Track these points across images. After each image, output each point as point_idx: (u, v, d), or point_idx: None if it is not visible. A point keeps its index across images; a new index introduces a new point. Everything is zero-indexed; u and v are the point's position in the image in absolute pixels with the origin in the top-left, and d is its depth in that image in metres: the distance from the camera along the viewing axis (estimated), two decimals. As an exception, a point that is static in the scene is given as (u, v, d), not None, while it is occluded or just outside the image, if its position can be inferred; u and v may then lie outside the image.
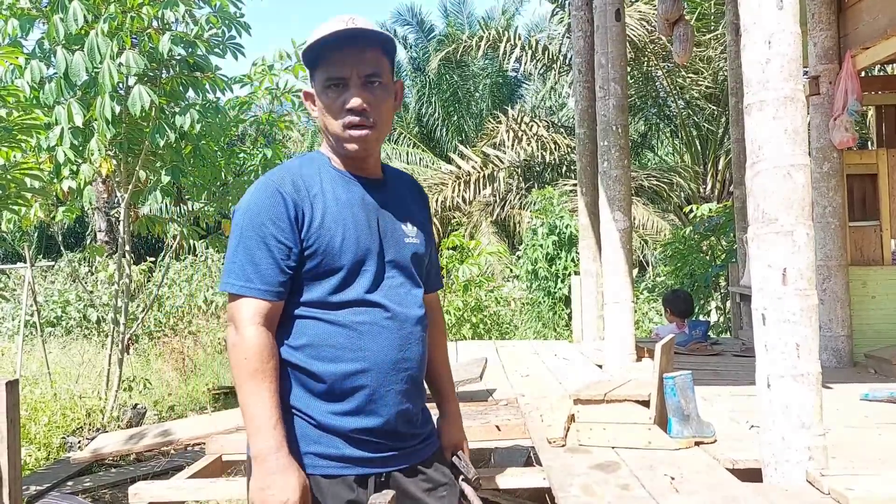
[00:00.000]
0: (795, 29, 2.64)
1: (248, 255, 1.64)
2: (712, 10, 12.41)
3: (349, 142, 1.72)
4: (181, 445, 4.56)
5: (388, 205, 1.80)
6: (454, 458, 1.96)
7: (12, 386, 2.94)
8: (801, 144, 2.64)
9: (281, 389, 1.67)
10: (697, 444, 3.14)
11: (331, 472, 1.68)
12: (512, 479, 3.16)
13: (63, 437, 5.75)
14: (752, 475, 2.84)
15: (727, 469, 2.86)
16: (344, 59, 1.68)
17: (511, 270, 13.95)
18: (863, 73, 6.14)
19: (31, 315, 7.88)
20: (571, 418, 3.42)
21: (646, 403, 3.38)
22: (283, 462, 1.58)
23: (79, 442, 5.64)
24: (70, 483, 4.87)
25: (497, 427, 3.81)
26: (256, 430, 1.59)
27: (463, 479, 1.96)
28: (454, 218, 18.53)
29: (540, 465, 3.09)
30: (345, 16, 1.69)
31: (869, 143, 9.68)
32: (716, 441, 3.19)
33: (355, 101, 1.68)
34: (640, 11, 13.31)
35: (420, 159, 21.42)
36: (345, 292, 1.69)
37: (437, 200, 17.17)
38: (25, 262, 7.40)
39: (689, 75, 13.78)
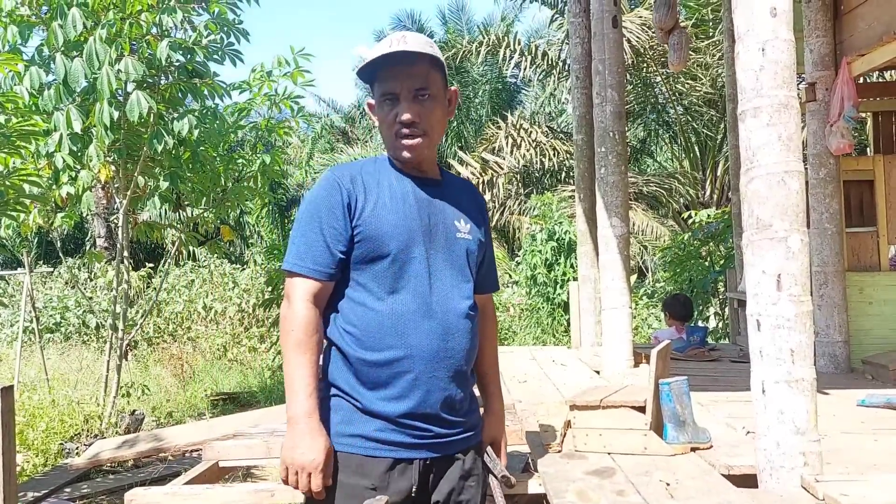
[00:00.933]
0: (789, 36, 2.66)
1: (304, 238, 1.81)
2: (710, 17, 12.44)
3: (401, 150, 1.87)
4: (179, 451, 4.56)
5: (441, 201, 1.93)
6: (485, 453, 2.01)
7: (6, 392, 2.94)
8: (795, 151, 2.65)
9: (330, 370, 1.84)
10: (693, 449, 3.14)
11: (375, 454, 1.78)
12: (508, 484, 3.15)
13: (61, 444, 5.75)
14: (747, 481, 2.84)
15: (723, 475, 2.87)
16: (395, 75, 1.84)
17: (510, 276, 13.95)
18: (860, 80, 6.15)
19: (30, 321, 7.88)
20: (568, 424, 3.43)
21: (642, 409, 3.39)
22: (313, 426, 1.73)
23: (77, 448, 5.64)
24: (68, 489, 4.87)
25: (494, 433, 3.81)
26: (294, 394, 1.74)
27: (490, 475, 2.00)
28: (453, 223, 18.52)
29: (537, 471, 3.09)
30: (397, 34, 1.86)
31: (868, 149, 9.70)
32: (712, 447, 3.19)
33: (405, 115, 1.84)
34: (641, 17, 13.35)
35: (420, 165, 21.43)
36: (391, 280, 1.81)
37: (436, 206, 17.15)
38: (24, 267, 7.40)
39: (688, 81, 13.82)
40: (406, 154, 1.87)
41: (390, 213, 1.82)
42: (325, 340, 1.85)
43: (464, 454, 1.91)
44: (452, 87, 1.97)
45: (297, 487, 1.75)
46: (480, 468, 1.98)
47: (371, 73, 1.87)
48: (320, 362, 1.85)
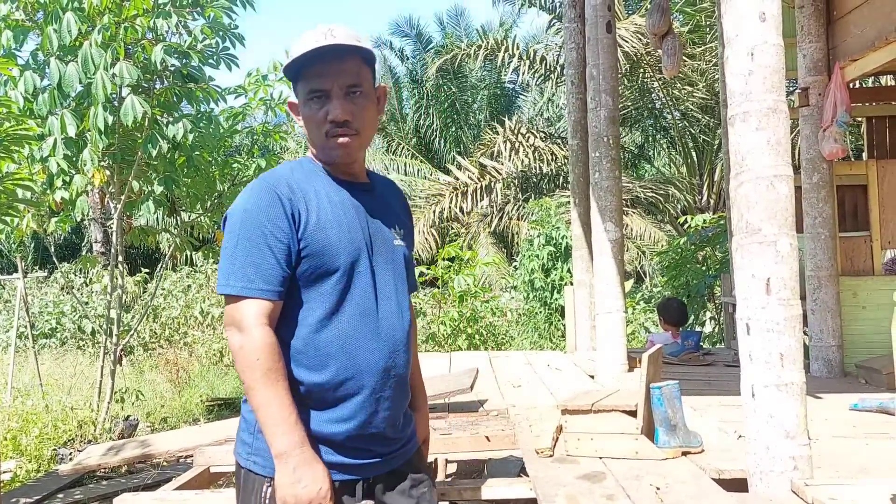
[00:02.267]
0: (778, 41, 2.67)
1: (247, 256, 1.63)
2: (705, 23, 12.47)
3: (333, 149, 1.75)
4: (172, 457, 4.55)
5: (376, 208, 1.82)
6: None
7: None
8: (784, 155, 2.65)
9: None
10: (684, 453, 3.14)
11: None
12: (499, 489, 3.16)
13: (54, 449, 5.73)
14: (738, 485, 2.84)
15: (713, 479, 2.86)
16: (324, 71, 1.71)
17: (508, 281, 13.95)
18: (853, 85, 6.17)
19: (25, 326, 7.87)
20: (560, 429, 3.43)
21: (633, 413, 3.39)
22: (307, 455, 1.60)
23: (70, 454, 5.63)
24: (60, 495, 4.85)
25: (487, 438, 3.80)
26: (276, 428, 1.58)
27: None
28: (452, 229, 18.55)
29: (528, 475, 3.09)
30: (323, 27, 1.72)
31: (863, 153, 9.72)
32: (703, 451, 3.19)
33: (336, 113, 1.71)
34: (636, 24, 13.37)
35: (418, 170, 21.45)
36: (338, 297, 1.69)
37: (434, 211, 17.19)
38: (19, 272, 7.39)
39: (685, 87, 13.84)
40: (336, 153, 1.75)
41: (334, 226, 1.70)
42: None
43: (408, 465, 1.85)
44: (382, 85, 1.85)
45: None
46: (428, 471, 1.93)
47: (297, 69, 1.73)
48: None
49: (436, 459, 4.11)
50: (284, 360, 1.65)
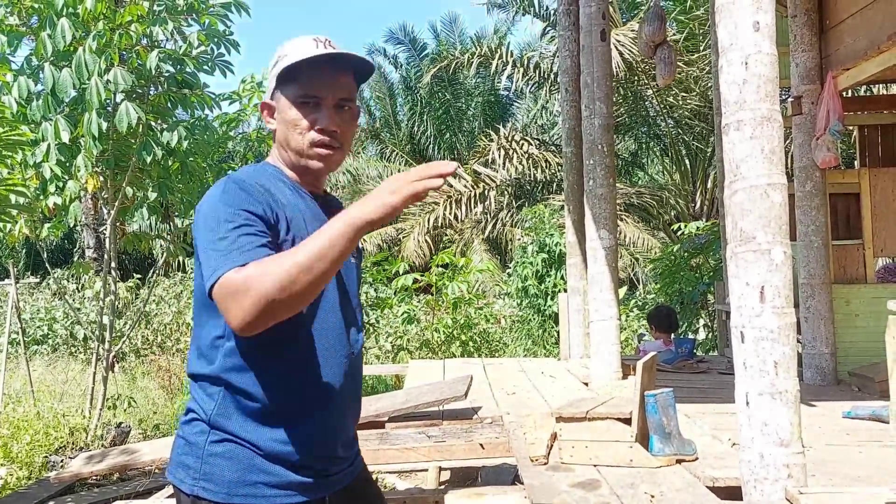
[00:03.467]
0: (772, 50, 2.68)
1: (231, 242, 1.48)
2: (699, 31, 12.54)
3: (315, 159, 1.69)
4: (164, 464, 4.52)
5: (325, 215, 1.75)
6: None
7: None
8: (778, 164, 2.67)
9: (217, 413, 1.59)
10: (679, 461, 3.15)
11: (278, 501, 1.62)
12: (493, 498, 3.15)
13: (46, 456, 5.69)
14: (732, 493, 2.84)
15: (708, 487, 2.87)
16: (322, 78, 1.68)
17: (502, 288, 13.95)
18: (846, 93, 6.20)
19: (16, 333, 7.83)
20: (554, 436, 3.42)
21: (628, 421, 3.39)
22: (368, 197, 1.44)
23: (62, 461, 5.59)
24: (52, 503, 4.82)
25: (481, 445, 3.80)
26: (341, 231, 1.42)
27: None
28: (446, 235, 18.57)
29: (523, 483, 3.08)
30: (320, 36, 1.71)
31: (855, 162, 9.77)
32: (697, 459, 3.19)
33: (327, 123, 1.67)
34: (633, 31, 13.42)
35: (411, 177, 21.45)
36: (300, 315, 1.58)
37: (428, 219, 17.21)
38: (11, 278, 7.36)
39: (680, 94, 13.90)
40: (318, 165, 1.69)
41: (302, 237, 1.57)
42: (211, 378, 1.61)
43: (359, 480, 1.82)
44: (358, 106, 1.78)
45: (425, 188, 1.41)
46: (378, 487, 1.91)
47: (291, 71, 1.66)
48: (205, 403, 1.61)
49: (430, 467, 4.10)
50: (242, 377, 1.59)
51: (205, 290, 1.50)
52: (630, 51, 13.36)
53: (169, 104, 5.90)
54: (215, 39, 5.90)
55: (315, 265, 1.41)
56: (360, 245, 1.84)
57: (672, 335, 6.83)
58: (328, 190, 1.87)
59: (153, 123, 5.84)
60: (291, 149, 1.71)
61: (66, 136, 5.33)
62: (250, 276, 1.40)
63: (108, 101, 5.50)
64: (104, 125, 5.32)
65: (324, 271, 1.42)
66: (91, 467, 4.21)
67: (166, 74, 5.79)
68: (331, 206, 1.80)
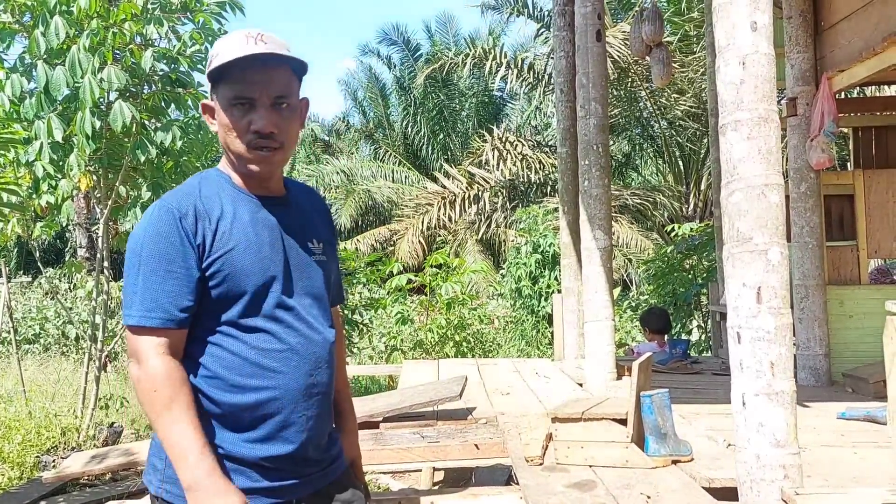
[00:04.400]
0: (769, 50, 2.68)
1: (147, 284, 1.56)
2: (693, 33, 12.56)
3: (253, 163, 1.66)
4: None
5: (292, 222, 1.74)
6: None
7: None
8: (775, 164, 2.66)
9: None
10: (674, 462, 3.14)
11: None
12: (488, 499, 3.14)
13: (37, 456, 5.65)
14: (728, 494, 2.84)
15: (703, 488, 2.86)
16: (253, 78, 1.63)
17: (495, 288, 13.95)
18: (840, 95, 6.22)
19: (8, 332, 7.78)
20: (549, 437, 3.41)
21: (623, 421, 3.39)
22: (218, 485, 1.51)
23: (53, 461, 5.55)
24: (43, 503, 4.79)
25: (476, 446, 3.79)
26: (183, 459, 1.51)
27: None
28: (439, 236, 18.56)
29: (519, 484, 3.07)
30: (252, 31, 1.65)
31: (848, 164, 9.80)
32: (692, 459, 3.19)
33: (262, 125, 1.63)
34: (623, 32, 13.44)
35: (405, 177, 21.48)
36: (251, 318, 1.62)
37: (422, 221, 17.20)
38: (2, 277, 7.32)
39: (673, 95, 13.93)
40: (256, 168, 1.66)
41: (243, 248, 1.62)
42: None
43: (334, 485, 1.78)
44: (305, 98, 1.74)
45: None
46: (359, 494, 1.86)
47: (221, 71, 1.63)
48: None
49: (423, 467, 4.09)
50: (202, 382, 1.60)
51: None
52: (620, 52, 13.36)
53: (163, 103, 5.87)
54: (210, 38, 5.87)
55: (158, 434, 1.57)
56: (332, 238, 1.85)
57: (666, 337, 6.84)
58: (285, 187, 1.81)
59: (147, 122, 5.81)
60: (231, 152, 1.69)
61: (59, 135, 5.29)
62: (139, 380, 1.57)
63: (101, 99, 5.47)
64: (98, 124, 5.28)
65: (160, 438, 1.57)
66: (94, 465, 4.19)
67: (160, 73, 5.75)
68: (290, 205, 1.77)
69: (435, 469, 4.32)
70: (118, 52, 5.59)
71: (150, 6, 5.50)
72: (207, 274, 1.59)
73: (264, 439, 1.63)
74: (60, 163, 5.48)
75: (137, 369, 1.57)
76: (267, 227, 1.68)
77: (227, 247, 1.61)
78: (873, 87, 10.40)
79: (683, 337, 9.49)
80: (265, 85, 1.63)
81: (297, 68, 1.69)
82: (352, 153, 25.22)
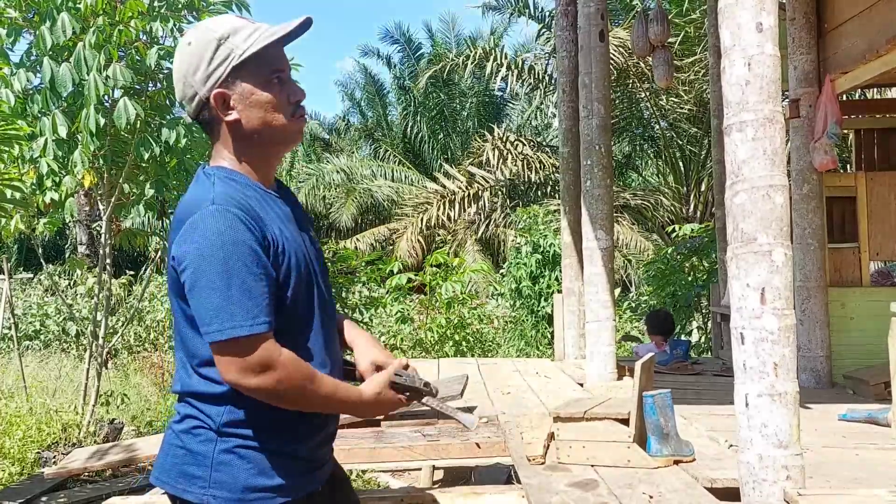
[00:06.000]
0: (775, 51, 2.69)
1: (245, 289, 1.49)
2: (694, 34, 12.57)
3: (297, 132, 1.69)
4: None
5: (296, 214, 1.74)
6: (396, 377, 1.71)
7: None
8: (780, 165, 2.67)
9: (231, 423, 1.58)
10: (676, 462, 3.15)
11: (288, 498, 1.63)
12: (490, 497, 3.14)
13: (38, 452, 5.67)
14: (730, 494, 2.85)
15: (705, 488, 2.87)
16: (280, 52, 1.67)
17: (495, 288, 13.96)
18: (843, 97, 6.22)
19: (9, 328, 7.79)
20: (551, 436, 3.42)
21: (625, 421, 3.39)
22: (371, 389, 1.66)
23: (54, 457, 5.56)
24: (44, 499, 4.79)
25: (477, 445, 3.80)
26: (351, 406, 1.67)
27: (425, 390, 1.75)
28: (438, 235, 18.57)
29: (520, 483, 3.08)
30: (236, 14, 1.71)
31: (849, 166, 9.82)
32: (694, 460, 3.20)
33: (301, 94, 1.68)
34: (619, 38, 13.43)
35: (405, 176, 21.49)
36: (302, 316, 1.64)
37: (422, 220, 17.20)
38: (4, 273, 7.32)
39: (673, 98, 13.93)
40: (299, 137, 1.71)
41: (292, 247, 1.61)
42: (216, 396, 1.59)
43: (335, 469, 1.84)
44: None
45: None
46: (343, 473, 1.93)
47: (250, 54, 1.61)
48: (211, 411, 1.59)
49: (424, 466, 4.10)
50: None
51: (194, 318, 1.53)
52: (621, 53, 13.35)
53: (167, 101, 5.88)
54: (214, 36, 5.87)
55: (316, 408, 1.62)
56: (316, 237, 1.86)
57: (666, 339, 6.85)
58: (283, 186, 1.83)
59: (151, 120, 5.82)
60: (273, 131, 1.66)
61: (63, 131, 5.30)
62: (279, 382, 1.52)
63: (106, 96, 5.47)
64: (102, 121, 5.29)
65: (317, 409, 1.64)
66: (95, 462, 4.19)
67: (165, 71, 5.77)
68: (284, 195, 1.76)
69: (435, 468, 4.33)
70: (123, 49, 5.60)
71: (156, 4, 5.51)
72: (277, 276, 1.58)
73: (312, 432, 1.68)
74: (64, 159, 5.49)
75: (274, 376, 1.50)
76: (292, 223, 1.68)
77: (283, 246, 1.59)
78: (874, 89, 10.40)
79: (684, 338, 9.50)
80: (285, 58, 1.68)
81: None
82: (352, 152, 25.21)
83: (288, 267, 1.58)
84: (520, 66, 16.24)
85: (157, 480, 1.66)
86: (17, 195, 4.67)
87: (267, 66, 1.63)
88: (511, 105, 23.55)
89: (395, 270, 10.74)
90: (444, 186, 17.64)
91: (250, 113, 1.63)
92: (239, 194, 1.58)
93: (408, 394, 1.71)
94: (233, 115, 1.63)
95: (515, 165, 16.44)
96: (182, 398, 1.64)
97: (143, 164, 5.90)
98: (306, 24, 1.65)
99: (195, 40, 1.63)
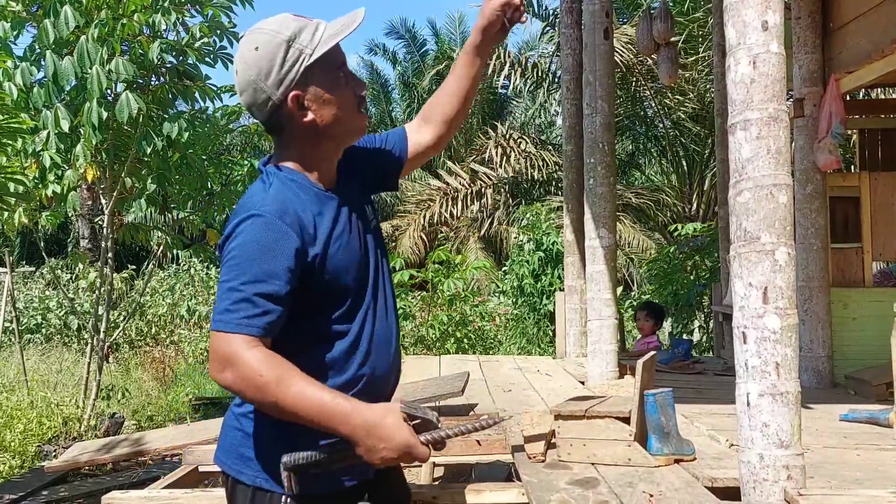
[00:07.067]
0: (780, 50, 2.67)
1: (248, 292, 1.51)
2: (698, 33, 12.55)
3: (364, 128, 1.73)
4: (158, 456, 4.51)
5: (353, 204, 1.74)
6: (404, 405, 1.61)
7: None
8: (784, 165, 2.66)
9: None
10: (677, 461, 3.14)
11: (336, 486, 1.66)
12: (490, 494, 3.14)
13: (39, 446, 5.68)
14: (730, 494, 2.84)
15: (706, 487, 2.86)
16: (339, 48, 1.68)
17: (497, 286, 13.95)
18: (847, 97, 6.21)
19: (10, 322, 7.80)
20: (552, 434, 3.42)
21: (626, 420, 3.38)
22: (371, 416, 1.47)
23: (55, 450, 5.57)
24: (45, 492, 4.80)
25: (478, 442, 3.79)
26: (329, 419, 1.46)
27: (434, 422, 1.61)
28: (441, 232, 18.56)
29: (520, 480, 3.08)
30: (291, 14, 1.67)
31: (852, 166, 9.79)
32: (695, 459, 3.19)
33: (363, 86, 1.71)
34: (626, 35, 13.42)
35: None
36: (351, 314, 1.66)
37: (424, 216, 17.20)
38: (6, 267, 7.32)
39: (676, 96, 13.91)
40: (364, 129, 1.75)
41: (340, 253, 1.62)
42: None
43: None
44: None
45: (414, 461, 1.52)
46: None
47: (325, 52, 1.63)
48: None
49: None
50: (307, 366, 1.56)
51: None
52: (626, 51, 13.33)
53: (170, 95, 5.88)
54: (218, 31, 5.87)
55: (287, 415, 1.48)
56: (371, 181, 1.87)
57: (657, 323, 6.91)
58: None
59: (153, 114, 5.82)
60: (343, 127, 1.68)
61: (66, 125, 5.30)
62: (239, 378, 1.47)
63: (108, 90, 5.47)
64: (104, 114, 5.29)
65: (291, 418, 1.49)
66: (96, 455, 4.20)
67: (168, 65, 5.77)
68: (346, 189, 1.75)
69: (435, 465, 4.32)
70: (126, 43, 5.60)
71: (158, -3, 5.51)
72: (313, 281, 1.59)
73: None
74: (67, 153, 5.49)
75: (233, 372, 1.48)
76: (347, 221, 1.69)
77: (330, 254, 1.61)
78: (878, 89, 10.38)
79: (685, 337, 9.49)
80: (342, 51, 1.69)
81: None
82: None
83: (331, 273, 1.61)
84: (523, 63, 16.22)
85: (218, 460, 1.70)
86: (20, 189, 4.68)
87: (333, 63, 1.65)
88: (515, 102, 23.54)
89: (398, 267, 10.73)
90: (448, 183, 17.63)
91: (324, 111, 1.64)
92: (294, 197, 1.60)
93: (417, 422, 1.53)
94: (309, 116, 1.64)
95: (518, 163, 16.43)
96: None
97: (146, 159, 5.90)
98: (361, 18, 1.66)
99: (262, 45, 1.61)
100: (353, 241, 1.68)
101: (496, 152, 16.48)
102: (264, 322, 1.50)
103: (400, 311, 10.31)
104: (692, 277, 10.12)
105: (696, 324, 10.40)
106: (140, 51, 5.51)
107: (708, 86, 12.66)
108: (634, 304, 12.32)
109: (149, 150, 5.54)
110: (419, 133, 1.95)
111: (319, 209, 1.63)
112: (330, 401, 1.46)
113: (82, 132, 5.40)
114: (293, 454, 1.52)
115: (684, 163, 14.99)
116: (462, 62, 1.93)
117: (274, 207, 1.55)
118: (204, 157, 6.29)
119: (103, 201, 6.34)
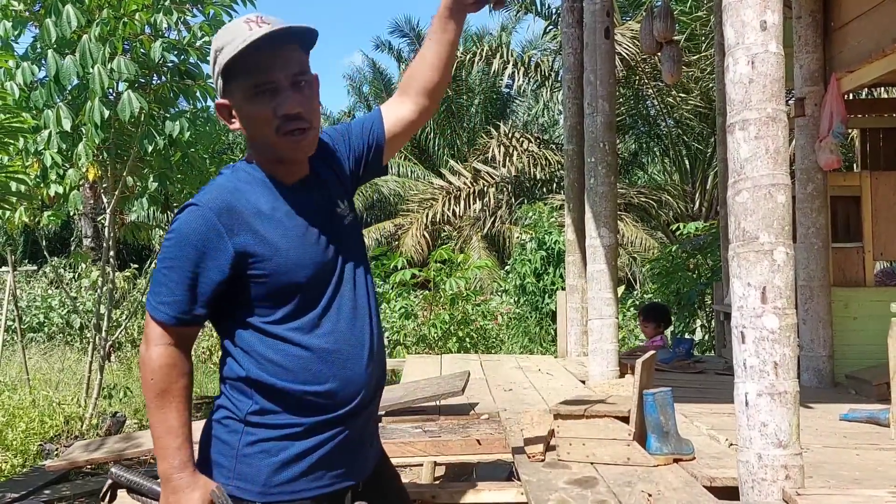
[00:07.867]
0: (779, 50, 2.67)
1: (167, 279, 1.58)
2: (700, 31, 12.53)
3: (288, 149, 1.62)
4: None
5: (321, 198, 1.71)
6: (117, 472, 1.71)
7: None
8: (783, 164, 2.66)
9: (258, 413, 1.61)
10: (676, 460, 3.14)
11: (314, 494, 1.64)
12: (490, 493, 3.15)
13: (41, 444, 5.69)
14: (729, 493, 2.84)
15: (705, 486, 2.87)
16: (268, 62, 1.56)
17: (500, 285, 13.95)
18: (847, 96, 6.20)
19: (13, 320, 7.82)
20: (551, 433, 3.42)
21: (626, 419, 3.39)
22: (185, 479, 1.54)
23: (56, 449, 5.58)
24: (47, 491, 4.80)
25: (478, 441, 3.80)
26: (162, 451, 1.55)
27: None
28: (444, 231, 18.56)
29: (520, 480, 3.08)
30: (251, 16, 1.61)
31: (854, 165, 9.77)
32: (694, 458, 3.19)
33: (288, 106, 1.57)
34: (632, 30, 13.40)
35: (412, 171, 21.48)
36: (310, 311, 1.62)
37: (427, 215, 17.20)
38: (8, 265, 7.34)
39: (680, 95, 13.89)
40: (293, 153, 1.63)
41: (283, 244, 1.59)
42: (244, 380, 1.62)
43: (380, 467, 1.84)
44: (315, 73, 1.67)
45: None
46: (394, 469, 1.94)
47: (231, 63, 1.56)
48: (240, 402, 1.63)
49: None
50: (269, 373, 1.59)
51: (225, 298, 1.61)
52: (627, 50, 13.31)
53: (172, 94, 5.88)
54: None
55: (150, 411, 1.58)
56: (348, 184, 1.83)
57: (659, 326, 6.88)
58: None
59: (155, 113, 5.83)
60: (261, 144, 1.64)
61: (67, 124, 5.32)
62: (141, 363, 1.59)
63: (110, 89, 5.48)
64: (106, 114, 5.31)
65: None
66: (98, 454, 4.21)
67: (170, 64, 5.78)
68: (317, 174, 1.73)
69: (436, 464, 4.33)
70: (128, 42, 5.61)
71: (160, -3, 5.52)
72: (253, 274, 1.58)
73: (337, 427, 1.70)
74: (69, 152, 5.50)
75: (144, 351, 1.59)
76: (303, 213, 1.65)
77: (267, 247, 1.58)
78: (880, 88, 10.35)
79: (687, 336, 9.49)
80: (282, 66, 1.58)
81: (305, 42, 1.64)
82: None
83: (273, 268, 1.58)
84: (526, 63, 16.21)
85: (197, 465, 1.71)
86: (22, 188, 4.69)
87: (250, 79, 1.58)
88: (517, 102, 23.53)
89: (400, 266, 10.73)
90: (450, 182, 17.63)
91: (244, 124, 1.64)
92: (243, 187, 1.62)
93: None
94: (235, 124, 1.65)
95: (521, 162, 16.42)
96: (221, 387, 1.69)
97: (147, 158, 5.91)
98: (278, 35, 1.56)
99: (211, 50, 1.66)
100: (309, 236, 1.63)
101: (499, 151, 16.47)
102: (175, 311, 1.57)
103: (402, 310, 10.33)
104: (694, 276, 10.10)
105: (699, 323, 10.39)
106: (142, 50, 5.52)
107: (711, 84, 12.63)
108: (637, 303, 12.32)
109: (150, 149, 5.55)
110: (399, 108, 1.90)
111: (272, 203, 1.62)
112: (173, 444, 1.55)
113: (84, 131, 5.42)
114: (124, 470, 1.65)
115: (687, 161, 14.96)
116: (436, 27, 1.86)
117: (210, 197, 1.59)
118: (205, 156, 6.30)
119: (105, 200, 6.35)
